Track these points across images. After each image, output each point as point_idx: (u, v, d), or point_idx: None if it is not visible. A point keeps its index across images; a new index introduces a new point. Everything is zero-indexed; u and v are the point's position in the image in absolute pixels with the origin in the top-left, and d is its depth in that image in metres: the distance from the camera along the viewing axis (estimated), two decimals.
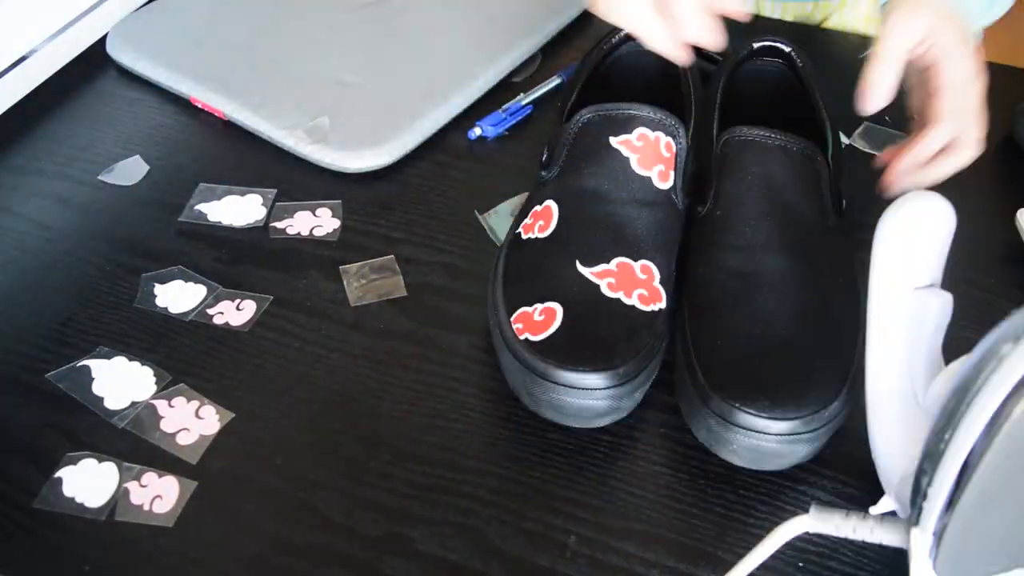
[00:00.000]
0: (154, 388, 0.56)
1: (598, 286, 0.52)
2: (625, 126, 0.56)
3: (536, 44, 0.79)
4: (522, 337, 0.50)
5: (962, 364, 0.37)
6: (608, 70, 0.65)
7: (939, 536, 0.38)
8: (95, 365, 0.57)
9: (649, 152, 0.56)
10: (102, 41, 0.80)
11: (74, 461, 0.52)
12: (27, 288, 0.62)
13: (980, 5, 0.64)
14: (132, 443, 0.53)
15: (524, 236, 0.56)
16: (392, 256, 0.63)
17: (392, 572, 0.48)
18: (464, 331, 0.58)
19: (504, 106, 0.73)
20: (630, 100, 0.57)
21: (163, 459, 0.52)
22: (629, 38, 0.63)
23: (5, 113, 0.74)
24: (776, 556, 0.44)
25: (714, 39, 0.51)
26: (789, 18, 0.87)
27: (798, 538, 0.42)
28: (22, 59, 0.75)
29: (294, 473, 0.52)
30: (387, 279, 0.62)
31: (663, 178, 0.56)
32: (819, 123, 0.60)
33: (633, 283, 0.52)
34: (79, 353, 0.57)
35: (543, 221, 0.56)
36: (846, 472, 0.51)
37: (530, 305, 0.52)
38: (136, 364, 0.57)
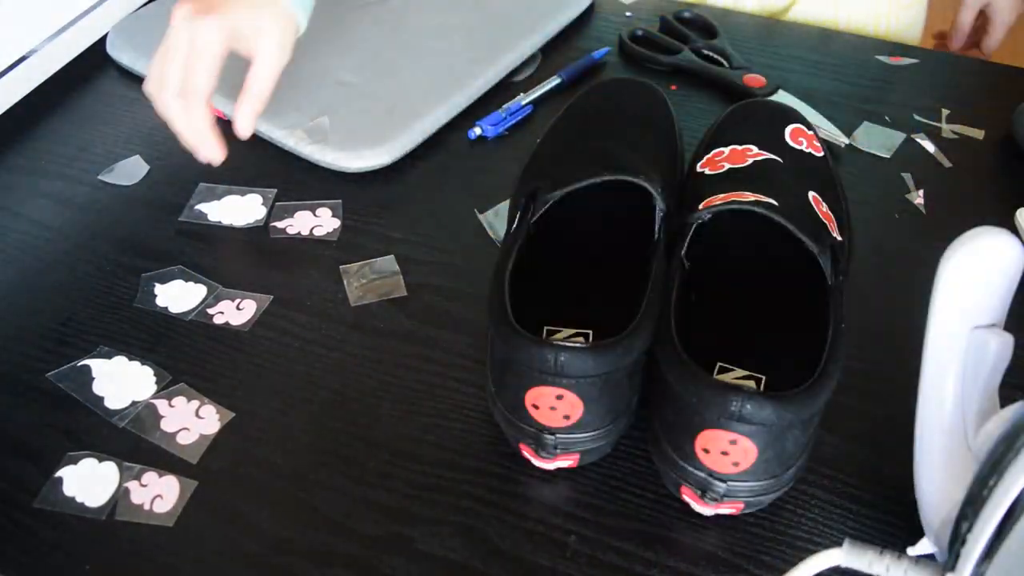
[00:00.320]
0: (154, 388, 0.56)
1: None
2: None
3: (536, 44, 0.79)
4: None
5: (1015, 410, 0.36)
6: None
7: None
8: (95, 365, 0.57)
9: None
10: (102, 41, 0.80)
11: (74, 461, 0.52)
12: (27, 288, 0.62)
13: None
14: (132, 443, 0.53)
15: None
16: (392, 256, 0.63)
17: (392, 572, 0.48)
18: (464, 331, 0.58)
19: (504, 106, 0.73)
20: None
21: (163, 459, 0.52)
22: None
23: (5, 113, 0.74)
24: None
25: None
26: (751, 6, 0.86)
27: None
28: (22, 59, 0.75)
29: (294, 473, 0.52)
30: (387, 279, 0.62)
31: None
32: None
33: None
34: (79, 353, 0.57)
35: None
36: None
37: None
38: (136, 364, 0.57)
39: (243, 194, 0.67)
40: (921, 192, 0.66)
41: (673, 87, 0.76)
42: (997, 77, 0.79)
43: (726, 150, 0.59)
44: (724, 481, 0.46)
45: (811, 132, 0.61)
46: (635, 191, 0.53)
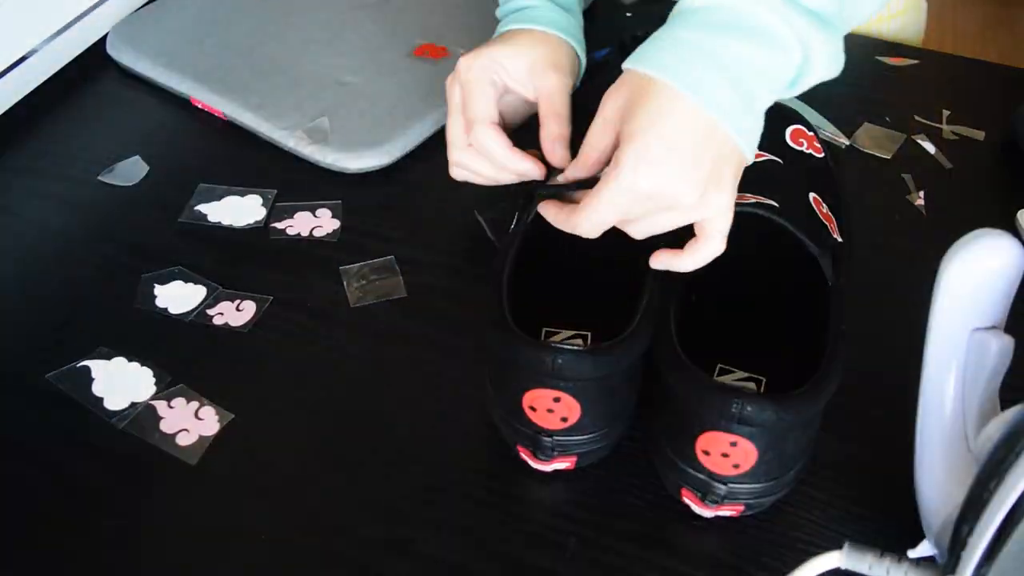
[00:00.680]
0: (154, 389, 0.56)
1: None
2: None
3: None
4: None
5: (1016, 412, 0.36)
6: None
7: None
8: (95, 365, 0.57)
9: None
10: (102, 41, 0.80)
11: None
12: (27, 288, 0.62)
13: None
14: (132, 444, 0.53)
15: None
16: (392, 257, 0.63)
17: (392, 572, 0.48)
18: (463, 332, 0.58)
19: None
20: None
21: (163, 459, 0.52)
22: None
23: (5, 113, 0.74)
24: None
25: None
26: None
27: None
28: (22, 59, 0.75)
29: (294, 473, 0.52)
30: (387, 280, 0.62)
31: None
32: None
33: None
34: (78, 353, 0.57)
35: None
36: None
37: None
38: (136, 364, 0.57)
39: (243, 195, 0.67)
40: (922, 193, 0.66)
41: None
42: (998, 78, 0.79)
43: None
44: (725, 483, 0.46)
45: (812, 133, 0.61)
46: None
